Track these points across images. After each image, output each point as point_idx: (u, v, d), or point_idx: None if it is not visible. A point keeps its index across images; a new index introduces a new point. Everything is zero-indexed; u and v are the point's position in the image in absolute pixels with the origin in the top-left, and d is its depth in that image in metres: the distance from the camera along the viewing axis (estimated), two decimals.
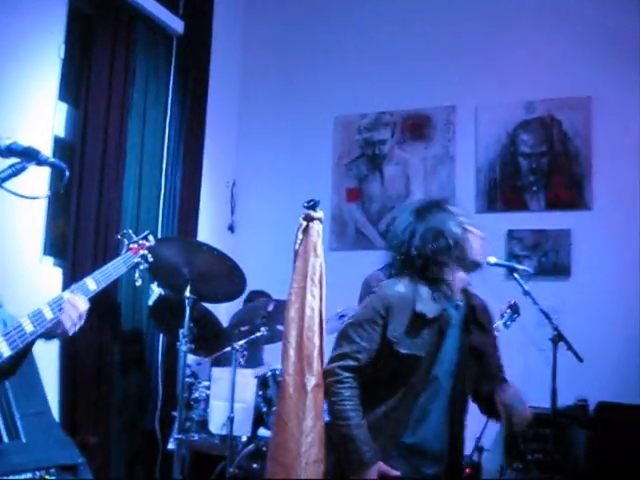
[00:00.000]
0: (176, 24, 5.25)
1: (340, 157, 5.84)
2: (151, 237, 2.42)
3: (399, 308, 2.44)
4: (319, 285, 2.23)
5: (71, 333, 2.05)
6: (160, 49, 5.20)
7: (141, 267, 2.38)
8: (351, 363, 2.36)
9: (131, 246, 2.35)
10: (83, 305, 2.07)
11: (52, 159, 1.75)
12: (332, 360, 2.39)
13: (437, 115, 5.62)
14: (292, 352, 2.16)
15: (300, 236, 2.28)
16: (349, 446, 2.28)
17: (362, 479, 2.30)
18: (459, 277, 2.57)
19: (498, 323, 3.90)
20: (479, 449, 4.49)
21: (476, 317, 2.61)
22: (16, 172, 1.71)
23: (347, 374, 2.35)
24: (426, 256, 2.51)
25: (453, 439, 2.55)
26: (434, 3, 5.71)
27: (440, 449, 2.51)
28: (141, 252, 2.36)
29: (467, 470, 4.32)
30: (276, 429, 2.17)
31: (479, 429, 4.40)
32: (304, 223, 2.27)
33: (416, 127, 5.66)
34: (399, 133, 5.71)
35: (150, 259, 2.38)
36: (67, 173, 1.74)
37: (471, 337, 2.57)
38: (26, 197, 1.75)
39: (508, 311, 3.93)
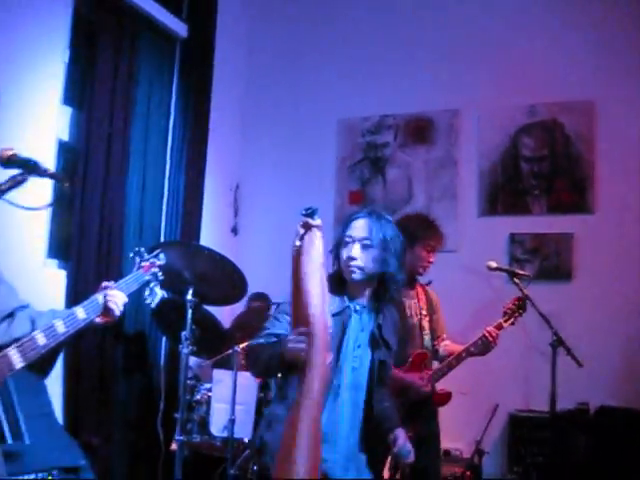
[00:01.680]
0: (180, 28, 5.28)
1: (343, 160, 5.86)
2: (162, 255, 2.47)
3: None
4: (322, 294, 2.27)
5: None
6: (164, 53, 5.22)
7: (151, 285, 2.42)
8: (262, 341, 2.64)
9: (143, 264, 2.38)
10: (122, 298, 2.18)
11: (51, 170, 1.78)
12: None
13: (440, 118, 5.63)
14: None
15: (298, 243, 2.29)
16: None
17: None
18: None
19: (502, 320, 3.91)
20: (479, 452, 4.51)
21: (382, 335, 2.79)
22: (17, 184, 1.74)
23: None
24: None
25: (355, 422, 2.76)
26: (438, 7, 5.71)
27: (344, 437, 2.73)
28: (152, 270, 2.40)
29: (467, 473, 4.34)
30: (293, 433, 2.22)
31: (479, 432, 4.43)
32: (302, 231, 2.28)
33: (419, 130, 5.67)
34: (402, 136, 5.72)
35: (160, 277, 2.42)
36: (66, 184, 1.77)
37: (377, 352, 2.78)
38: (26, 208, 1.78)
39: (513, 307, 3.95)
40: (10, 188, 1.72)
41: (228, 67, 5.82)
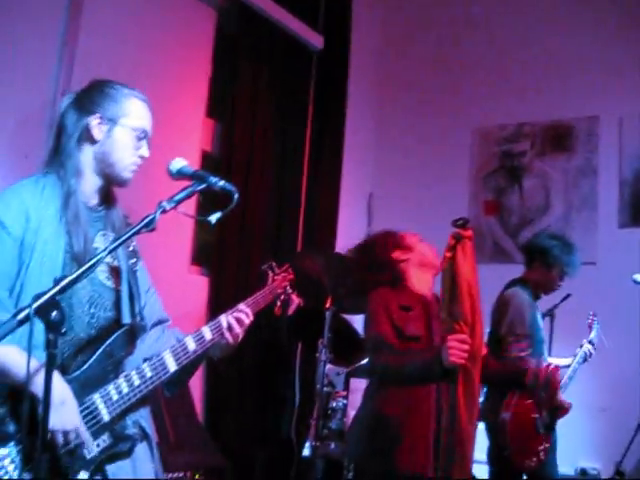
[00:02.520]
0: (316, 39, 5.35)
1: (478, 169, 5.78)
2: (291, 270, 2.52)
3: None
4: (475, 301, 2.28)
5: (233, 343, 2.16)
6: (301, 64, 5.32)
7: (282, 297, 2.46)
8: None
9: (275, 277, 2.44)
10: (248, 317, 2.19)
11: (221, 182, 1.84)
12: None
13: (579, 126, 5.46)
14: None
15: (448, 254, 2.28)
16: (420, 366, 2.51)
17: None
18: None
19: (592, 335, 4.02)
20: (620, 474, 4.33)
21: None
22: (189, 195, 1.82)
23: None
24: None
25: None
26: (573, 12, 5.55)
27: None
28: (284, 284, 2.46)
29: None
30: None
31: (619, 453, 4.25)
32: (452, 242, 2.27)
33: (557, 138, 5.52)
34: (539, 144, 5.59)
35: (289, 291, 2.47)
36: (236, 196, 1.83)
37: None
38: (198, 219, 1.86)
39: (595, 322, 4.09)
40: (182, 199, 1.80)
41: (362, 77, 5.87)
